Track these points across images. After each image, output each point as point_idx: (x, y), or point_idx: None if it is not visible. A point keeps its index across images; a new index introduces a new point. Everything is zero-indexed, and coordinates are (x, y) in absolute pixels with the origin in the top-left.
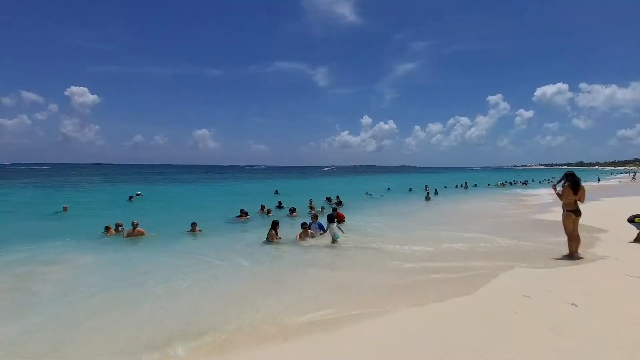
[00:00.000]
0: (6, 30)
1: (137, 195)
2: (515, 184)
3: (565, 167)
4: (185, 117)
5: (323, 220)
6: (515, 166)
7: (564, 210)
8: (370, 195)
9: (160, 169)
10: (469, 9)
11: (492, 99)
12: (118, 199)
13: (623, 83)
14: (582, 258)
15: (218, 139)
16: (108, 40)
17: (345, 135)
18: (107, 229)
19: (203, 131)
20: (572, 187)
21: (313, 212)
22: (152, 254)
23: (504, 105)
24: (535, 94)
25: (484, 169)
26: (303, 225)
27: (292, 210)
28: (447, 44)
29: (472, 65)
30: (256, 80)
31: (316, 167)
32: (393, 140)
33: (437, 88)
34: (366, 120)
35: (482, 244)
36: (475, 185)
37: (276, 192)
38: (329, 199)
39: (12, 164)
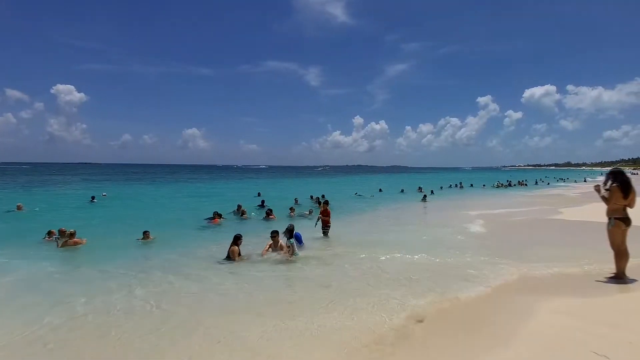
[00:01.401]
0: None
1: (103, 196)
2: (510, 185)
3: (553, 167)
4: (174, 116)
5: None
6: (504, 166)
7: (610, 219)
8: (360, 195)
9: (147, 168)
10: (460, 11)
11: (482, 100)
12: (82, 199)
13: (609, 85)
14: (635, 280)
15: (208, 138)
16: (95, 38)
17: (337, 136)
18: (50, 233)
19: (193, 130)
20: (622, 189)
21: (292, 213)
22: (81, 270)
23: (494, 106)
24: (523, 95)
25: (474, 169)
26: (273, 234)
27: (269, 212)
28: (438, 46)
29: (463, 66)
30: (247, 79)
31: (310, 167)
32: (384, 141)
33: (428, 89)
34: (358, 120)
35: (498, 261)
36: (472, 185)
37: (259, 194)
38: (315, 198)
39: (2, 164)
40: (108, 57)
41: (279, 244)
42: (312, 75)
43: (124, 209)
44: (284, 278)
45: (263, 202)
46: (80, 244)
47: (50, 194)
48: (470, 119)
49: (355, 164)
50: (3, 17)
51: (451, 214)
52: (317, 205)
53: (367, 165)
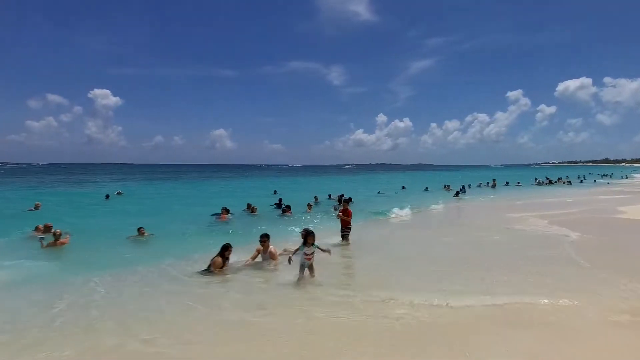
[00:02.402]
0: (31, 35)
1: (118, 193)
2: (551, 182)
3: (590, 164)
4: (202, 118)
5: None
6: (536, 163)
7: None
8: (383, 194)
9: (177, 168)
10: (486, 1)
11: (511, 94)
12: (99, 197)
13: None
14: None
15: (234, 138)
16: (128, 43)
17: (359, 134)
18: (37, 228)
19: (220, 131)
20: None
21: (309, 209)
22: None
23: (525, 101)
24: (557, 89)
25: (505, 166)
26: (263, 238)
27: (286, 209)
28: (463, 40)
29: (491, 60)
30: (271, 80)
31: (336, 166)
32: (409, 138)
33: (454, 85)
34: (381, 118)
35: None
36: (507, 183)
37: (275, 192)
38: (338, 197)
39: (47, 165)
40: (139, 61)
41: (270, 250)
42: (335, 74)
43: (135, 205)
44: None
45: (280, 200)
46: (65, 244)
47: (73, 192)
48: (500, 115)
49: (379, 163)
50: (43, 27)
51: (512, 216)
52: (339, 204)
53: (390, 164)
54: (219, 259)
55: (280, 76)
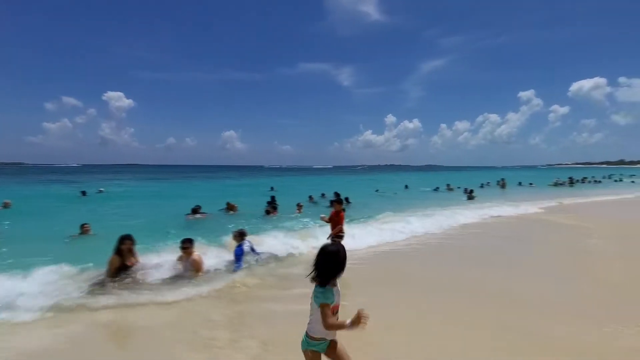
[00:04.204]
0: (45, 39)
1: (99, 191)
2: (572, 183)
3: (605, 165)
4: (213, 120)
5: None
6: (549, 165)
7: None
8: (381, 193)
9: (186, 168)
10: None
11: (523, 94)
12: (76, 193)
13: None
14: None
15: (245, 140)
16: (141, 47)
17: (368, 135)
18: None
19: (230, 132)
20: None
21: (299, 210)
22: None
23: (537, 101)
24: (570, 88)
25: (517, 167)
26: (185, 244)
27: (270, 209)
28: (476, 39)
29: (504, 59)
30: (283, 82)
31: (349, 167)
32: (418, 139)
33: (466, 84)
34: (390, 119)
35: None
36: (520, 183)
37: (272, 188)
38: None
39: (64, 165)
40: (152, 64)
41: (192, 257)
42: (345, 75)
43: (107, 205)
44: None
45: (273, 198)
46: None
47: (57, 189)
48: (511, 115)
49: (388, 164)
50: (58, 30)
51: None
52: (330, 205)
53: (400, 165)
54: (115, 258)
55: (291, 78)
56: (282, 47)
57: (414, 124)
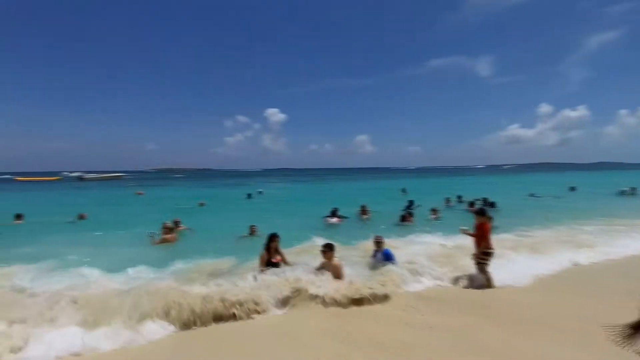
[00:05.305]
0: (218, 67)
1: (259, 193)
2: None
3: None
4: (346, 125)
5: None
6: None
7: None
8: (538, 197)
9: (325, 172)
10: None
11: None
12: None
13: None
14: None
15: (374, 143)
16: (287, 67)
17: (513, 129)
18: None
19: (362, 137)
20: None
21: (434, 215)
22: None
23: None
24: None
25: None
26: (324, 248)
27: (407, 215)
28: None
29: None
30: (409, 82)
31: (493, 166)
32: (584, 131)
33: None
34: (544, 109)
35: None
36: None
37: (403, 190)
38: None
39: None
40: (296, 81)
41: (333, 262)
42: (483, 65)
43: (265, 206)
44: None
45: (411, 202)
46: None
47: (232, 192)
48: None
49: (541, 162)
50: (222, 65)
51: None
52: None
53: (557, 163)
54: (264, 254)
55: (419, 78)
56: (408, 47)
57: (578, 112)
